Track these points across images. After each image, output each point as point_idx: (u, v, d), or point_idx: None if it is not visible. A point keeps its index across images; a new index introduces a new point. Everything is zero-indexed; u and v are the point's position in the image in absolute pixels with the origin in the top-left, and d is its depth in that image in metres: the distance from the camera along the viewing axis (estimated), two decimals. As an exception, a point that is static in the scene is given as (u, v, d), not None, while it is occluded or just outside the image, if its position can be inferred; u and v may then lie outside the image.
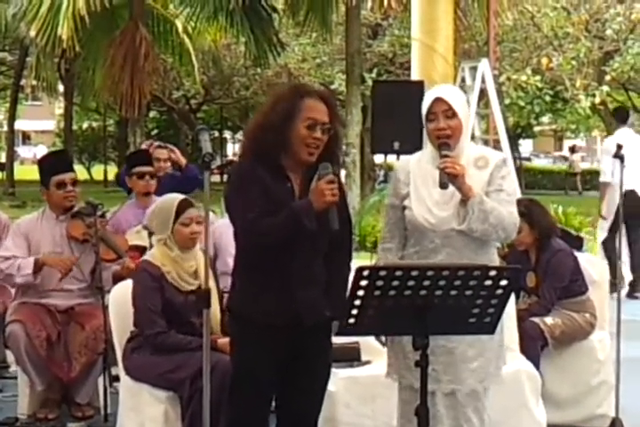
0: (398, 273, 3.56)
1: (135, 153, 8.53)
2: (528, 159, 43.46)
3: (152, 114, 36.61)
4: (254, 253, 4.14)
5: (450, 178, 4.16)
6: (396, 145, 9.20)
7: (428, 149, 4.38)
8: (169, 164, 8.36)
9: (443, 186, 4.17)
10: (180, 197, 5.39)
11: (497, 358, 4.36)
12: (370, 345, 5.24)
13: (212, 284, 5.11)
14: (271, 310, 4.12)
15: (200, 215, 5.22)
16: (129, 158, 7.93)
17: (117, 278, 6.04)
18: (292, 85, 4.52)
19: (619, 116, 11.71)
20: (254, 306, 4.16)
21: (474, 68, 11.48)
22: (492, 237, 4.28)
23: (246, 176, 4.15)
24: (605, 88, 20.14)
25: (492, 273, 3.62)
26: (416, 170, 4.34)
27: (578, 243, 7.46)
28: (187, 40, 18.42)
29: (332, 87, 23.36)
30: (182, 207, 5.23)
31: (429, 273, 3.58)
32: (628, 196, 8.82)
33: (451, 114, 4.26)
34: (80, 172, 6.53)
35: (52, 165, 6.33)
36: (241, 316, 4.24)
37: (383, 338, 4.44)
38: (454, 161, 4.18)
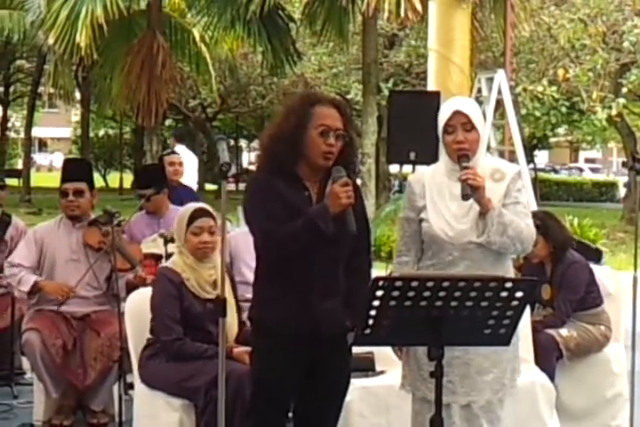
0: (414, 284, 3.56)
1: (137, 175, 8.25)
2: (543, 170, 43.39)
3: (168, 122, 36.66)
4: (275, 263, 4.15)
5: (471, 189, 4.16)
6: (412, 155, 9.19)
7: (442, 161, 4.37)
8: (183, 167, 8.50)
9: (465, 197, 4.16)
10: (198, 205, 5.40)
11: (512, 370, 4.35)
12: (384, 355, 5.24)
13: (229, 293, 5.13)
14: (291, 321, 4.12)
15: (214, 225, 5.23)
16: None
17: (131, 287, 6.06)
18: (303, 94, 4.46)
19: (176, 135, 14.07)
20: (274, 316, 4.16)
21: (490, 79, 11.47)
22: (510, 250, 4.28)
23: (263, 188, 4.15)
24: (622, 100, 20.09)
25: (508, 285, 3.62)
26: (431, 183, 4.34)
27: (596, 255, 7.45)
28: (204, 49, 18.42)
29: (349, 97, 23.36)
30: (194, 216, 5.23)
31: (445, 284, 3.57)
32: None
33: (469, 127, 4.26)
34: (96, 179, 6.55)
35: (64, 172, 6.40)
36: (261, 325, 4.25)
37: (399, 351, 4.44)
38: (476, 173, 4.18)
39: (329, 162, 4.14)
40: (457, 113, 4.27)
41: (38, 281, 6.14)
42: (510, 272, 4.41)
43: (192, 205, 5.42)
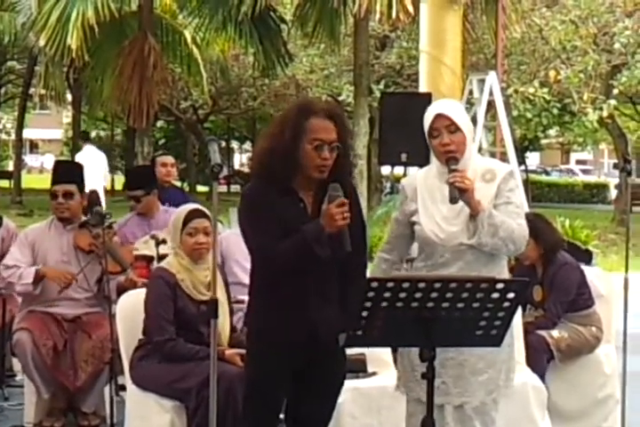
0: (405, 285, 3.56)
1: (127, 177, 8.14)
2: (534, 172, 43.44)
3: (159, 124, 36.65)
4: (270, 274, 4.14)
5: (459, 192, 4.17)
6: (404, 157, 9.22)
7: (434, 164, 4.39)
8: (175, 169, 8.50)
9: (453, 200, 4.17)
10: (193, 206, 5.40)
11: (507, 371, 4.36)
12: (376, 357, 5.26)
13: (222, 296, 5.12)
14: (287, 329, 4.12)
15: (210, 226, 5.22)
16: None
17: (121, 290, 6.05)
18: (298, 104, 4.33)
19: (83, 136, 20.36)
20: (270, 324, 4.16)
21: (482, 81, 11.49)
22: (503, 251, 4.29)
23: (258, 201, 4.14)
24: (613, 102, 20.14)
25: (500, 286, 3.62)
26: (423, 186, 4.36)
27: (587, 257, 7.47)
28: (195, 50, 18.39)
29: (340, 99, 23.36)
30: (190, 217, 5.23)
31: (437, 285, 3.58)
32: None
33: (454, 129, 4.26)
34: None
35: (54, 174, 6.41)
36: (256, 332, 4.25)
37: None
38: (464, 175, 4.19)
39: (323, 174, 4.14)
40: (439, 116, 4.27)
41: (39, 269, 6.12)
42: (505, 273, 4.42)
43: (187, 207, 5.43)
